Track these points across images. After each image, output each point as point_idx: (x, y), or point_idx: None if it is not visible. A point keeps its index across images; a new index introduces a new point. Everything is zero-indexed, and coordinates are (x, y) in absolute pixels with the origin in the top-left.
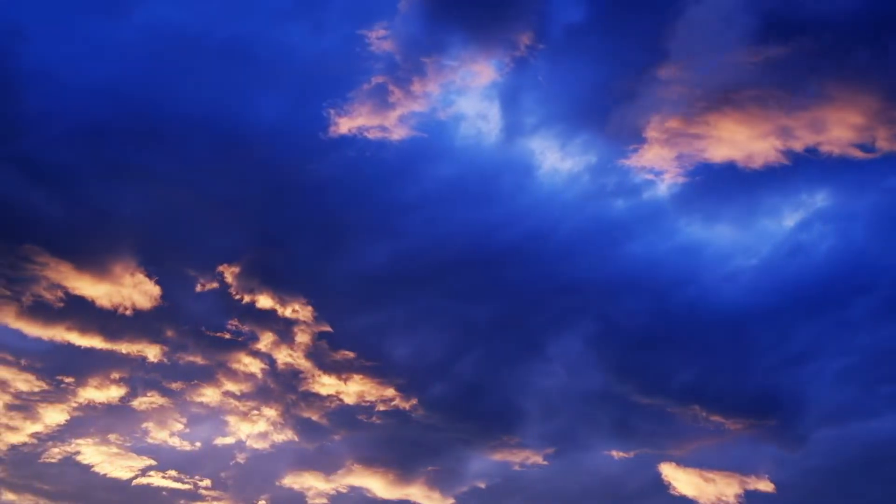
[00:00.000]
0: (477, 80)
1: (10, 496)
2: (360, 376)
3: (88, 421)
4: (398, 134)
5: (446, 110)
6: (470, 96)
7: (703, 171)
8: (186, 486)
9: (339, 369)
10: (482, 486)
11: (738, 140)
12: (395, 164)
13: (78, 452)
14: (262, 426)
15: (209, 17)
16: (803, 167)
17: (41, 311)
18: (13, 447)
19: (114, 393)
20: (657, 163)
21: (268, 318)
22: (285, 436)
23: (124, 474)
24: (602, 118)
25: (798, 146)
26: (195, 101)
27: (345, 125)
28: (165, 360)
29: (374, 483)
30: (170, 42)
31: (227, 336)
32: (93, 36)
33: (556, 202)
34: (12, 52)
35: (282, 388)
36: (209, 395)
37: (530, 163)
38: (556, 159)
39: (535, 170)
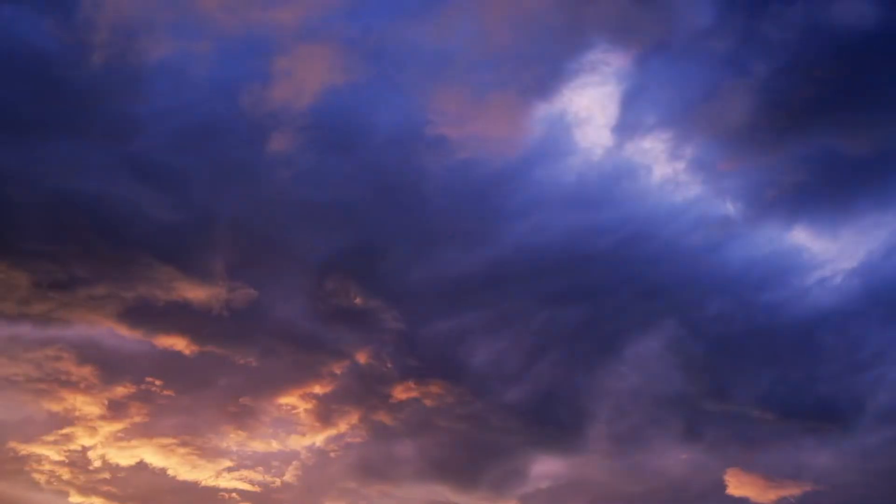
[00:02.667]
0: (592, 83)
1: (77, 498)
2: (438, 380)
3: (170, 422)
4: (511, 139)
5: (561, 113)
6: (585, 98)
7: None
8: (257, 489)
9: (418, 374)
10: (545, 487)
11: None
12: (504, 169)
13: (152, 454)
14: (340, 429)
15: (334, 13)
16: None
17: (137, 314)
18: (84, 449)
19: (200, 394)
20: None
21: (355, 322)
22: (361, 438)
23: (197, 476)
24: (716, 122)
25: None
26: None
27: (457, 128)
28: (254, 363)
29: (441, 487)
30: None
31: (316, 339)
32: (222, 34)
33: (659, 206)
34: (143, 47)
35: (362, 391)
36: (293, 397)
37: (640, 167)
38: (666, 163)
39: (644, 174)
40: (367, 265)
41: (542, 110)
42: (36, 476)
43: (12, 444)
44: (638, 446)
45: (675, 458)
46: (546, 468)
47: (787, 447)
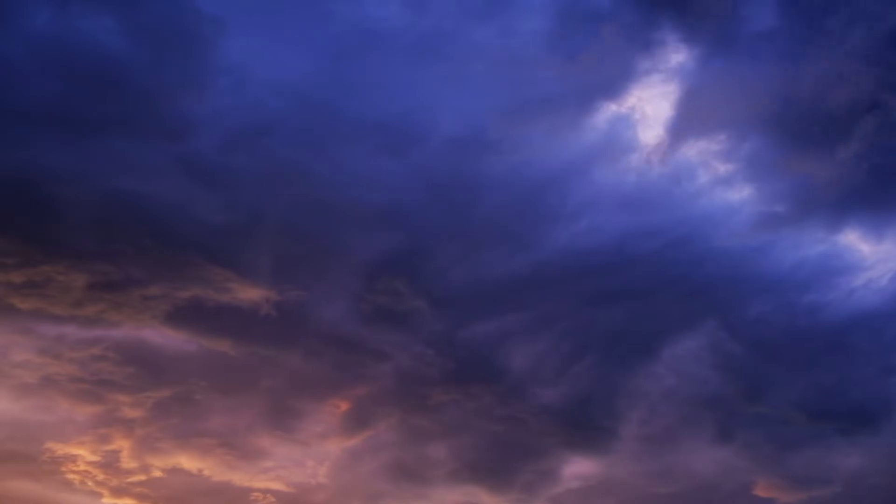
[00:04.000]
0: (655, 82)
1: (109, 500)
2: (476, 382)
3: (209, 423)
4: (571, 139)
5: (624, 113)
6: (648, 97)
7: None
8: (291, 490)
9: (458, 375)
10: (575, 487)
11: None
12: (561, 170)
13: (188, 455)
14: (378, 430)
15: (402, 14)
16: None
17: (185, 314)
18: (120, 450)
19: (242, 395)
20: None
21: (398, 323)
22: (397, 439)
23: (233, 477)
24: (770, 123)
25: None
26: (372, 102)
27: (517, 129)
28: (297, 364)
29: (476, 488)
30: (364, 40)
31: (358, 340)
32: (290, 30)
33: (710, 207)
34: (212, 45)
35: (402, 392)
36: (333, 398)
37: (695, 167)
38: (720, 163)
39: (699, 174)
40: (412, 267)
41: (607, 110)
42: (70, 476)
43: (49, 445)
44: (669, 447)
45: (706, 460)
46: (577, 469)
47: (818, 449)
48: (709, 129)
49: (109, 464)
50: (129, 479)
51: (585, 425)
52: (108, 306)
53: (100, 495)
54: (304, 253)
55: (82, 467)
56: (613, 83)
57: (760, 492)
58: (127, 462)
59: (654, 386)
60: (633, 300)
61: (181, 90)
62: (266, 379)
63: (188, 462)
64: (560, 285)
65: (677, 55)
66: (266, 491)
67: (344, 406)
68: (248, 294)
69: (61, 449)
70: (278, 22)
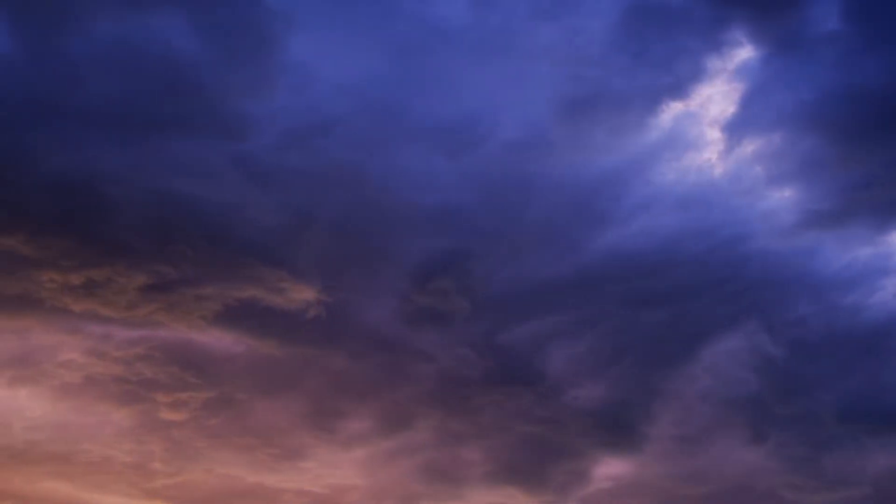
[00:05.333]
0: (719, 81)
1: (140, 502)
2: (516, 383)
3: (249, 424)
4: (627, 139)
5: (686, 112)
6: (710, 96)
7: None
8: (326, 491)
9: (498, 377)
10: (606, 487)
11: None
12: (617, 171)
13: (226, 456)
14: (417, 431)
15: (469, 13)
16: None
17: (233, 315)
18: (158, 450)
19: (285, 396)
20: None
21: (442, 325)
22: (436, 440)
23: (268, 479)
24: (823, 124)
25: None
26: (434, 103)
27: (578, 129)
28: (342, 365)
29: (513, 489)
30: (430, 38)
31: (403, 341)
32: (358, 28)
33: (759, 207)
34: (280, 43)
35: (443, 393)
36: (375, 399)
37: (750, 166)
38: (773, 163)
39: (752, 174)
40: (459, 269)
41: (672, 109)
42: (104, 478)
43: (86, 445)
44: (702, 448)
45: (738, 461)
46: (609, 469)
47: (848, 451)
48: (766, 128)
49: (144, 465)
50: (163, 481)
51: (620, 426)
52: (160, 307)
53: (132, 497)
54: (353, 254)
55: (117, 468)
56: (681, 82)
57: (789, 493)
58: (162, 464)
59: (690, 387)
60: (675, 302)
61: (244, 89)
62: (309, 380)
63: (224, 463)
64: (603, 287)
65: (743, 54)
66: (299, 492)
67: (384, 407)
68: (298, 295)
69: (97, 450)
70: (347, 19)
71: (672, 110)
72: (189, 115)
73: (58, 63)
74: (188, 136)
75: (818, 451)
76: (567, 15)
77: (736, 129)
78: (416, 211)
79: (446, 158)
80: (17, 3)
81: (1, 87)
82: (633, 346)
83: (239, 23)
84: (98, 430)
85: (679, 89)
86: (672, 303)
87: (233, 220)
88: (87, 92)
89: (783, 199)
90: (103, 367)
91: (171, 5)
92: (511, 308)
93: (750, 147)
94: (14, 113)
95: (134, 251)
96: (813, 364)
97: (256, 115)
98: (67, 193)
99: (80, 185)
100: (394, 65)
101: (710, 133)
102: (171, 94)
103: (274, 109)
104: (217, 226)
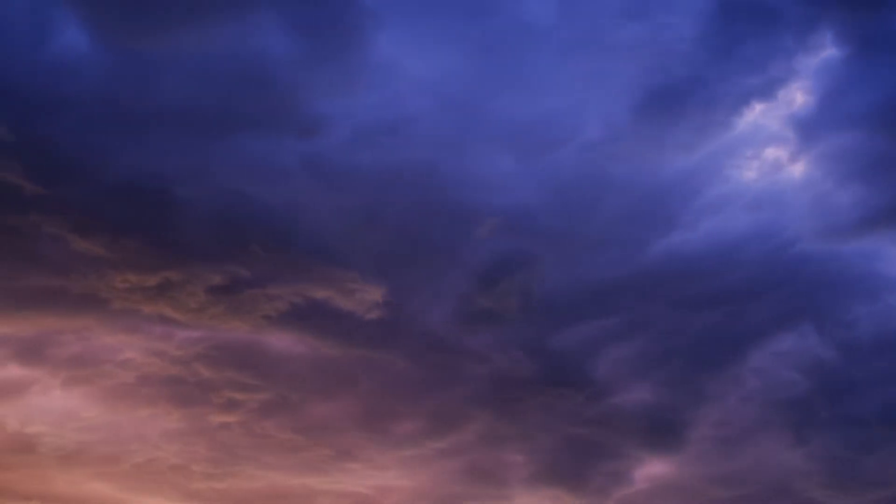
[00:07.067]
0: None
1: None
2: (565, 384)
3: (300, 425)
4: (707, 139)
5: (762, 114)
6: (788, 95)
7: None
8: (370, 492)
9: (548, 378)
10: (644, 488)
11: None
12: (690, 172)
13: (271, 458)
14: (468, 432)
15: (556, 11)
16: None
17: (294, 316)
18: (198, 454)
19: (339, 397)
20: None
21: (496, 326)
22: (483, 442)
23: (312, 481)
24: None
25: None
26: (514, 103)
27: (658, 130)
28: (396, 367)
29: (557, 491)
30: (515, 37)
31: (458, 343)
32: (442, 24)
33: (823, 207)
34: (368, 40)
35: (492, 395)
36: (426, 401)
37: (822, 167)
38: (844, 164)
39: (825, 175)
40: (521, 272)
41: (755, 109)
42: (150, 479)
43: (134, 446)
44: (742, 450)
45: (777, 463)
46: (649, 470)
47: (886, 454)
48: (840, 128)
49: (187, 467)
50: (206, 484)
51: (664, 428)
52: (226, 308)
53: (173, 499)
54: (418, 255)
55: (162, 470)
56: (771, 82)
57: (825, 493)
58: (207, 466)
59: (736, 389)
60: (729, 304)
61: (325, 88)
62: (364, 381)
63: (269, 465)
64: (657, 290)
65: (829, 54)
66: (341, 494)
67: (436, 408)
68: (365, 296)
69: (144, 451)
70: (434, 15)
71: (756, 110)
72: (262, 114)
73: (135, 64)
74: (259, 135)
75: (859, 453)
76: (657, 12)
77: (811, 129)
78: (483, 212)
79: (520, 159)
80: (95, 3)
81: (79, 89)
82: (683, 348)
83: (330, 20)
84: (149, 431)
85: (768, 89)
86: (726, 305)
87: (300, 220)
88: (162, 92)
89: (848, 199)
90: (160, 367)
91: (266, 6)
92: (565, 310)
93: (823, 147)
94: (90, 114)
95: (205, 252)
96: (862, 366)
97: (330, 114)
98: (139, 195)
99: (152, 187)
100: (476, 62)
101: (786, 132)
102: (248, 93)
103: (348, 107)
104: (283, 226)
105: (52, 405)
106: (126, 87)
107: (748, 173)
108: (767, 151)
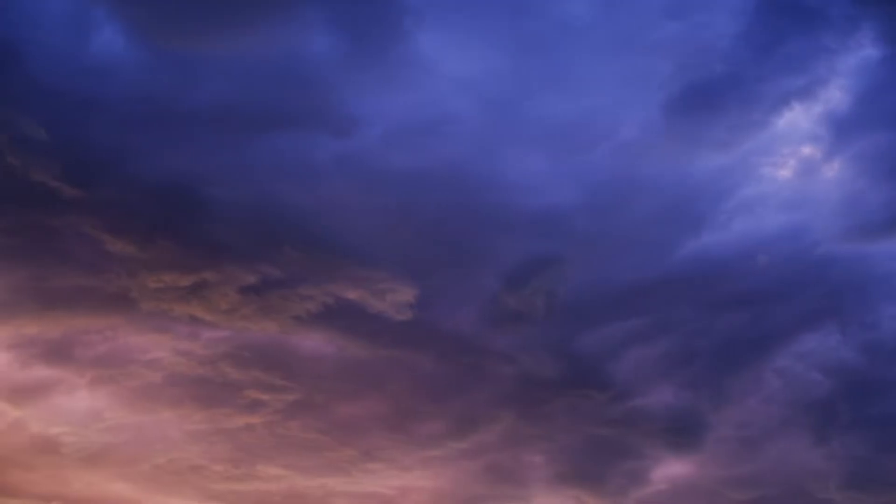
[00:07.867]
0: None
1: None
2: (589, 385)
3: (325, 426)
4: (744, 138)
5: (799, 113)
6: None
7: None
8: (391, 493)
9: (573, 380)
10: (662, 489)
11: None
12: (725, 172)
13: (293, 460)
14: (492, 432)
15: (595, 10)
16: None
17: (324, 317)
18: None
19: (363, 400)
20: None
21: (523, 327)
22: (505, 442)
23: (332, 481)
24: None
25: None
26: (552, 103)
27: (694, 129)
28: (423, 367)
29: (578, 491)
30: (555, 36)
31: (485, 344)
32: (486, 24)
33: (857, 209)
34: (410, 38)
35: (516, 396)
36: (451, 402)
37: (854, 166)
38: (874, 163)
39: (856, 175)
40: (550, 273)
41: (794, 108)
42: (168, 480)
43: (157, 447)
44: (762, 451)
45: (796, 464)
46: (668, 471)
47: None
48: (873, 128)
49: (209, 467)
50: (226, 485)
51: (685, 429)
52: (257, 309)
53: (192, 499)
54: (449, 256)
55: (183, 471)
56: (812, 82)
57: (842, 494)
58: (229, 466)
59: (760, 389)
60: (755, 305)
61: (362, 86)
62: (390, 382)
63: (291, 466)
64: (684, 291)
65: (867, 53)
66: (362, 495)
67: (461, 408)
68: (396, 296)
69: (167, 452)
70: (474, 14)
71: (794, 110)
72: (299, 114)
73: (172, 64)
74: (294, 134)
75: (879, 454)
76: (696, 11)
77: (846, 128)
78: (515, 213)
79: (554, 159)
80: (133, 4)
81: (115, 90)
82: (707, 349)
83: (371, 19)
84: (173, 432)
85: (808, 89)
86: (752, 306)
87: (335, 220)
88: (198, 93)
89: (880, 199)
90: (187, 367)
91: (306, 4)
92: (591, 312)
93: (858, 147)
94: (126, 115)
95: (238, 252)
96: (886, 367)
97: (366, 113)
98: (173, 195)
99: (186, 187)
100: (515, 62)
101: (821, 131)
102: (284, 93)
103: (384, 107)
104: (316, 226)
105: (77, 405)
106: (162, 88)
107: (782, 172)
108: (802, 150)
